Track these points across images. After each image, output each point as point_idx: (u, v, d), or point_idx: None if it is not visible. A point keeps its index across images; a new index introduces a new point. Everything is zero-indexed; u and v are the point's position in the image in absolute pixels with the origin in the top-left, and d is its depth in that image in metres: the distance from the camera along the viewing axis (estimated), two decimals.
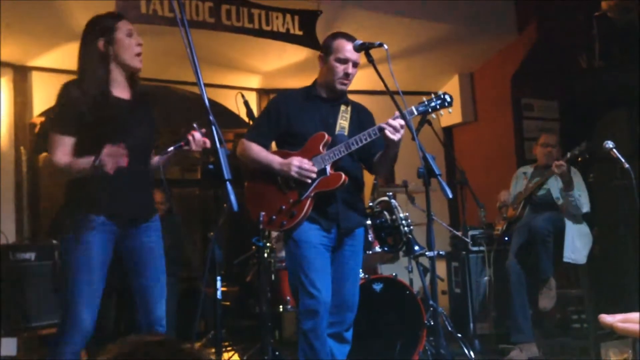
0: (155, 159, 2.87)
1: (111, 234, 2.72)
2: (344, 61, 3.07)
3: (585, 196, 4.66)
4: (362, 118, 3.21)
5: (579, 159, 4.42)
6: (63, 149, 2.65)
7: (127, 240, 2.78)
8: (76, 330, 2.63)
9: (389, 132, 2.90)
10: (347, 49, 3.06)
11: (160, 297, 2.84)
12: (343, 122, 3.14)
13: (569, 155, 4.37)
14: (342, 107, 3.18)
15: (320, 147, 3.03)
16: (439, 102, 3.05)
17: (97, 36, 2.68)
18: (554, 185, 4.68)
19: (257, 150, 3.11)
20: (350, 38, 3.11)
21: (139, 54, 2.74)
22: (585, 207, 4.64)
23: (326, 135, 3.04)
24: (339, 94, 3.16)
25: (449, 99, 3.05)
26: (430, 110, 3.05)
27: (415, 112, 3.01)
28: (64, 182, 2.75)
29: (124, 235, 2.77)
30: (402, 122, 2.88)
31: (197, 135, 2.61)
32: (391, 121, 2.90)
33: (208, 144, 2.58)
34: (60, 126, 2.67)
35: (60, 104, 2.69)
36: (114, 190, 2.65)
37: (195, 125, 2.62)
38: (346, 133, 3.11)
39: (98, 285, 2.68)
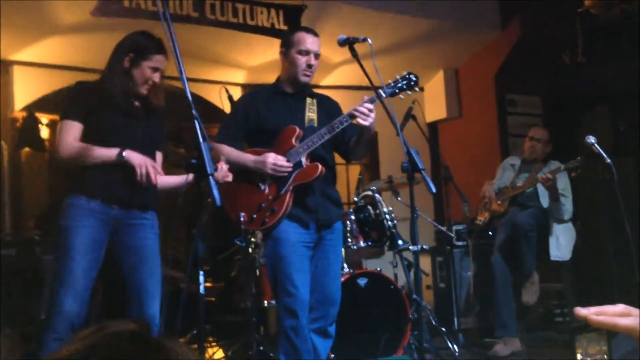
0: (171, 179, 2.97)
1: (105, 221, 2.75)
2: (306, 53, 3.07)
3: (569, 202, 4.69)
4: (328, 108, 3.23)
5: (573, 174, 4.43)
6: (74, 134, 2.75)
7: (121, 235, 2.80)
8: (59, 316, 2.61)
9: (360, 120, 2.93)
10: (308, 41, 3.07)
11: (154, 294, 2.84)
12: (311, 115, 3.15)
13: (562, 167, 4.38)
14: (308, 100, 3.18)
15: (293, 141, 3.03)
16: (404, 82, 3.04)
17: (127, 52, 2.80)
18: (542, 189, 4.69)
19: (228, 150, 3.08)
20: (310, 30, 3.13)
21: (149, 85, 2.83)
22: (567, 215, 4.68)
23: (297, 129, 3.04)
24: (303, 87, 3.17)
25: (414, 78, 3.04)
26: (397, 91, 3.04)
27: (384, 95, 2.97)
28: (67, 173, 2.87)
29: (118, 227, 2.78)
30: (370, 106, 2.91)
31: (224, 166, 2.74)
32: (359, 107, 2.92)
33: (230, 178, 2.74)
34: (70, 113, 2.78)
35: (69, 96, 2.89)
36: (110, 177, 2.73)
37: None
38: (315, 125, 3.12)
39: (87, 270, 2.67)
